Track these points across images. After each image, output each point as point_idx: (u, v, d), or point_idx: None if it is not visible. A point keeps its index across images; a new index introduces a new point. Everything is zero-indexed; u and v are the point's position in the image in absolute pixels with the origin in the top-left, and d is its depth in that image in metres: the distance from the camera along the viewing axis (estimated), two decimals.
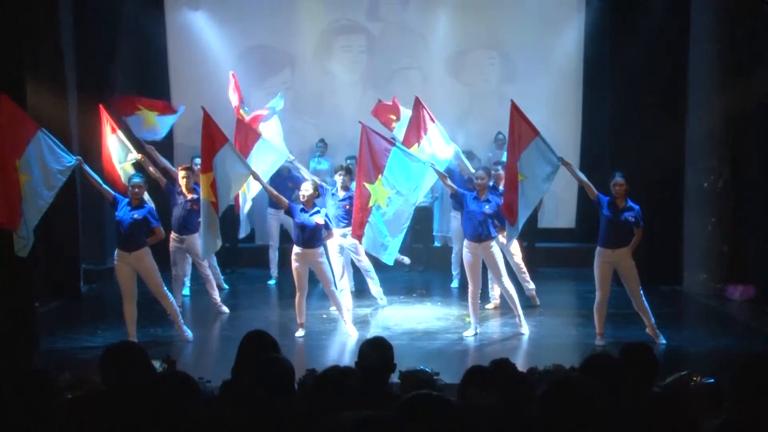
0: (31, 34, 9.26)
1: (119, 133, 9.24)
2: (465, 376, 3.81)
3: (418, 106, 9.19)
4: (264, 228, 11.57)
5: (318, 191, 8.69)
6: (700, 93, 10.46)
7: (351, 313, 9.05)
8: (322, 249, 8.59)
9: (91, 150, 9.75)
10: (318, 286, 9.34)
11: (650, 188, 9.88)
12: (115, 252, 8.25)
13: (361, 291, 10.18)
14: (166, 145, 11.41)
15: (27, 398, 3.20)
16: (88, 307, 10.26)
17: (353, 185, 8.73)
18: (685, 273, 10.76)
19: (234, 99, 10.52)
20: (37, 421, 3.18)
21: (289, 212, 8.55)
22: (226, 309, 9.70)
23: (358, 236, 8.44)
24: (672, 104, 10.64)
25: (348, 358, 7.60)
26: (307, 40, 12.63)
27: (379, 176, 8.34)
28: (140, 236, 8.14)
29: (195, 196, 9.18)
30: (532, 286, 9.78)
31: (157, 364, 5.34)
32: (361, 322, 9.11)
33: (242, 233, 10.27)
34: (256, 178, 8.54)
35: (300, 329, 8.63)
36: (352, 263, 9.90)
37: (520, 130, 7.94)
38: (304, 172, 9.84)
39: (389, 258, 8.51)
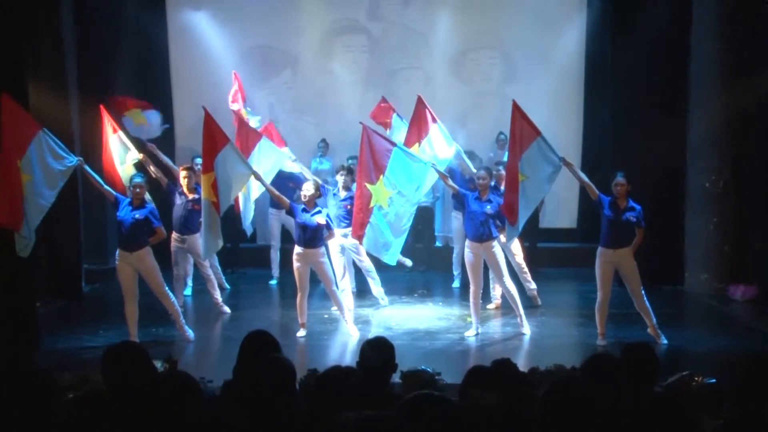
0: (32, 34, 9.28)
1: (120, 133, 9.25)
2: (466, 376, 3.81)
3: (420, 105, 9.19)
4: (265, 228, 11.57)
5: (319, 191, 8.70)
6: (701, 93, 10.46)
7: (352, 313, 9.04)
8: (323, 249, 8.59)
9: (92, 150, 9.77)
10: (319, 286, 9.34)
11: (651, 188, 9.85)
12: (117, 252, 8.25)
13: (362, 291, 10.18)
14: (167, 145, 11.41)
15: (28, 398, 3.21)
16: (89, 307, 10.27)
17: (354, 185, 8.73)
18: (687, 273, 10.75)
19: (234, 105, 10.57)
20: (39, 421, 3.18)
21: (291, 212, 8.55)
22: (227, 309, 9.70)
23: (359, 236, 8.45)
24: (673, 104, 10.64)
25: (349, 358, 7.59)
26: (309, 40, 12.63)
27: (381, 177, 8.35)
28: (142, 236, 8.14)
29: (196, 196, 9.18)
30: (533, 286, 9.78)
31: (158, 364, 5.35)
32: (363, 322, 9.10)
33: (248, 232, 10.27)
34: (258, 178, 8.53)
35: (301, 329, 8.63)
36: (354, 263, 9.90)
37: (522, 130, 7.94)
38: (306, 172, 9.84)
39: (391, 258, 8.51)
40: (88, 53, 11.03)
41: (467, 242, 8.58)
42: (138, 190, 8.15)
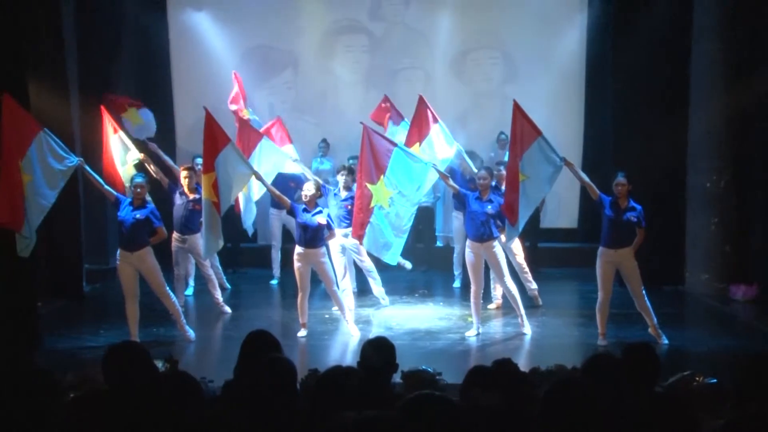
0: (33, 34, 9.28)
1: (121, 133, 9.27)
2: (467, 376, 3.81)
3: (421, 104, 9.20)
4: (266, 228, 11.57)
5: (320, 191, 8.70)
6: (701, 93, 10.46)
7: (353, 313, 9.04)
8: (324, 249, 8.59)
9: (93, 150, 9.78)
10: (320, 286, 9.34)
11: (652, 188, 9.86)
12: (118, 252, 8.25)
13: (363, 291, 10.18)
14: (168, 145, 11.42)
15: (29, 398, 3.21)
16: (90, 307, 10.28)
17: (355, 185, 8.73)
18: (688, 273, 10.75)
19: (233, 105, 10.57)
20: (40, 421, 3.18)
21: (292, 212, 8.55)
22: (228, 309, 9.70)
23: (358, 236, 8.46)
24: (674, 104, 10.63)
25: (350, 358, 7.59)
26: (310, 40, 12.63)
27: (381, 177, 8.36)
28: (142, 236, 8.15)
29: (197, 196, 9.18)
30: (534, 286, 9.77)
31: (159, 363, 5.36)
32: (364, 322, 9.10)
33: (250, 233, 10.27)
34: (259, 178, 8.53)
35: (302, 329, 8.63)
36: (355, 263, 9.90)
37: (522, 130, 7.94)
38: (307, 172, 9.84)
39: (392, 258, 8.52)
40: (89, 53, 11.04)
41: (468, 242, 8.58)
42: (139, 190, 8.16)
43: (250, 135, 9.55)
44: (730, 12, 10.14)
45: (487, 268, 8.75)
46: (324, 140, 11.98)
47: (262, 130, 10.22)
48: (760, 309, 9.68)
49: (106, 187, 8.31)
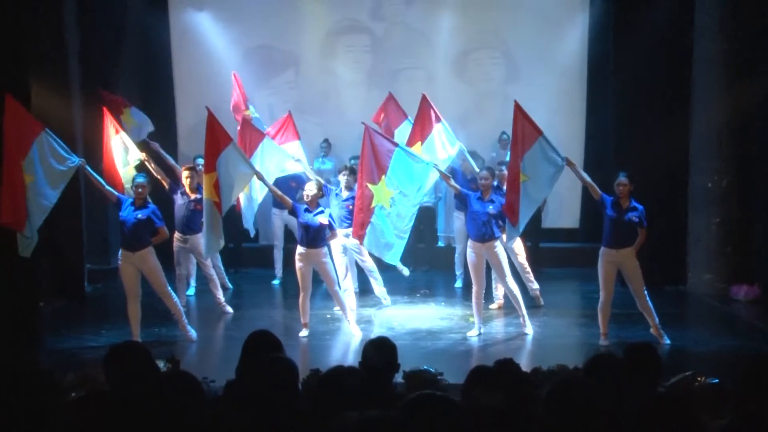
0: (35, 34, 9.28)
1: (122, 134, 9.27)
2: (469, 376, 3.81)
3: (424, 104, 9.19)
4: (268, 228, 11.57)
5: (322, 191, 8.70)
6: (703, 93, 10.45)
7: (355, 313, 9.04)
8: (325, 249, 8.59)
9: (95, 150, 9.78)
10: (322, 286, 9.34)
11: (654, 188, 9.85)
12: (119, 252, 8.26)
13: (364, 291, 10.19)
14: (169, 145, 11.42)
15: (31, 398, 3.21)
16: (92, 307, 10.28)
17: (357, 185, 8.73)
18: (690, 273, 10.74)
19: (235, 107, 10.57)
20: (41, 421, 3.19)
21: (293, 212, 8.56)
22: (230, 309, 9.71)
23: (359, 236, 8.45)
24: (676, 104, 10.63)
25: (352, 358, 7.59)
26: (311, 40, 12.63)
27: (383, 177, 8.36)
28: (144, 236, 8.15)
29: (198, 196, 9.18)
30: (536, 286, 9.77)
31: (161, 363, 5.36)
32: (365, 322, 9.10)
33: (251, 233, 10.26)
34: (260, 178, 8.53)
35: (304, 329, 8.63)
36: (356, 263, 9.90)
37: (524, 130, 7.94)
38: (309, 172, 9.84)
39: (393, 258, 8.52)
40: (91, 54, 11.03)
41: (469, 242, 8.57)
42: (140, 190, 8.16)
43: (252, 135, 9.55)
44: (731, 12, 10.14)
45: (488, 268, 8.74)
46: (325, 140, 11.98)
47: (275, 130, 10.20)
48: (762, 309, 9.67)
49: (107, 187, 8.31)
